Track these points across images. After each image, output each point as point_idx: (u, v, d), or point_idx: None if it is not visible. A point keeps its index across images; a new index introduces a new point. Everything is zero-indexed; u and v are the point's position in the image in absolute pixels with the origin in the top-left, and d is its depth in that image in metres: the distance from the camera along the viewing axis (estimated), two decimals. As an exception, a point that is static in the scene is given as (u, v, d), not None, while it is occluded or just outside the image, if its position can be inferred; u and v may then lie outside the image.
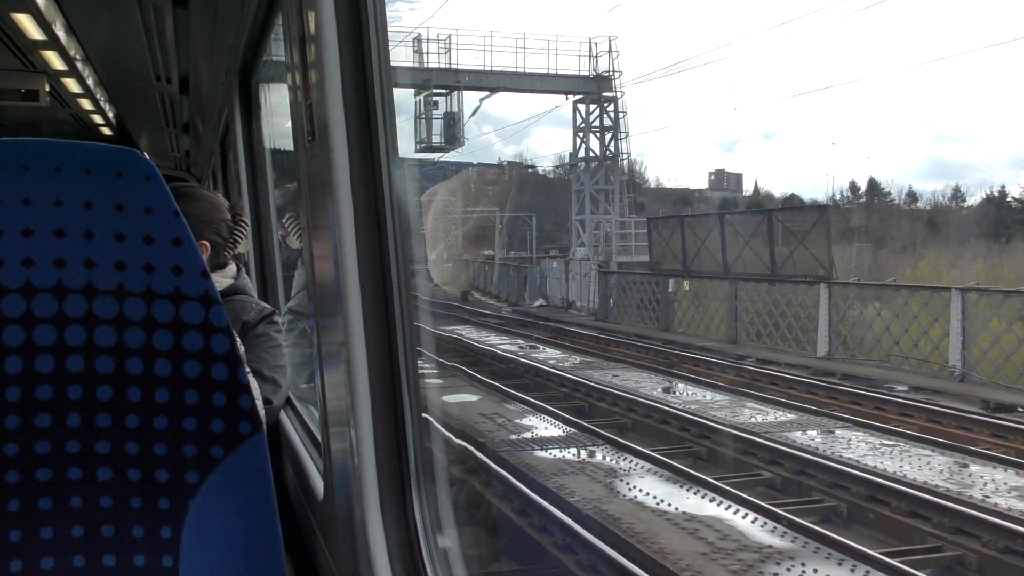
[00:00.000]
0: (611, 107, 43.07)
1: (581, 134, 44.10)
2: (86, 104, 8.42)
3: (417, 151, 42.66)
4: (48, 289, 1.45)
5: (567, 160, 46.90)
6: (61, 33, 5.56)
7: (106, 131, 10.38)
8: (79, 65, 6.55)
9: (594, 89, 42.72)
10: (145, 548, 1.51)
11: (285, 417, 3.53)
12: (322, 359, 2.20)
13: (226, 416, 1.52)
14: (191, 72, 6.50)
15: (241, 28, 3.78)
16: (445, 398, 16.26)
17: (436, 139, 41.84)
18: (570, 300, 37.44)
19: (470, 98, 42.02)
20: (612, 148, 43.34)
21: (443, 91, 41.03)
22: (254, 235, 4.90)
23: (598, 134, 43.78)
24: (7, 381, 1.45)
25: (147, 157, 1.51)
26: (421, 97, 41.24)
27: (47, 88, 6.96)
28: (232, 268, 3.30)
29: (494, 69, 41.22)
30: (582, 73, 42.77)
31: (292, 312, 4.25)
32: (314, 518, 2.62)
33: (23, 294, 1.44)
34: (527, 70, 42.01)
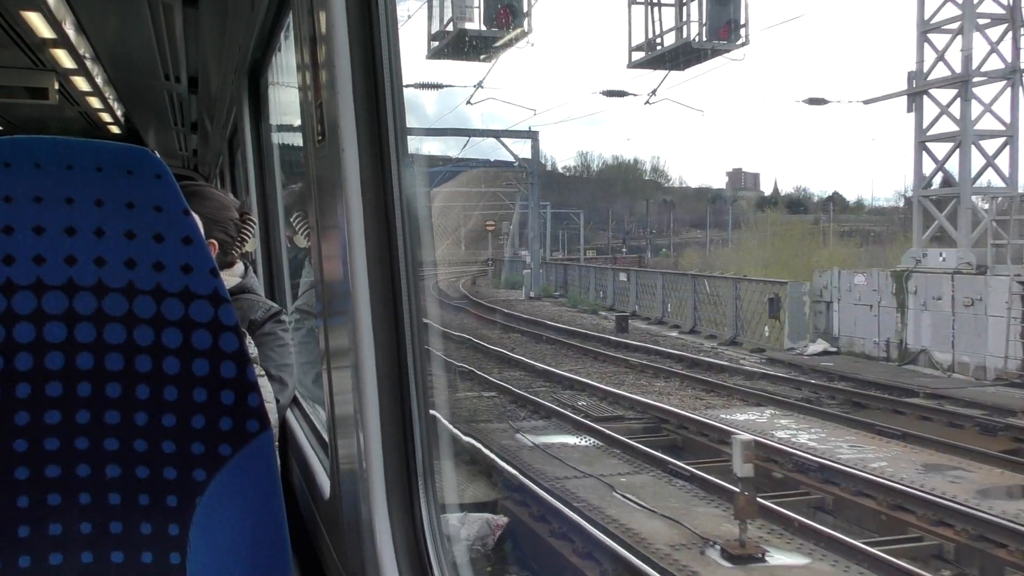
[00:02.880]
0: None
1: (944, 34, 22.73)
2: (95, 102, 8.45)
3: (631, 65, 24.03)
4: (58, 286, 1.46)
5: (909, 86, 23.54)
6: (71, 31, 5.57)
7: (114, 129, 10.41)
8: (88, 63, 6.56)
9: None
10: (153, 545, 1.52)
11: (291, 416, 3.53)
12: (330, 359, 2.20)
13: (234, 414, 1.52)
14: (200, 71, 6.52)
15: (251, 27, 3.78)
16: None
17: (693, 33, 21.61)
18: (913, 348, 21.04)
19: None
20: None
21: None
22: (261, 234, 4.90)
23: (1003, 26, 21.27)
24: (17, 377, 1.46)
25: (158, 155, 1.51)
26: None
27: (56, 86, 6.98)
28: (240, 267, 3.31)
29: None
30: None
31: (299, 311, 4.25)
32: (320, 517, 2.62)
33: (34, 291, 1.45)
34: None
